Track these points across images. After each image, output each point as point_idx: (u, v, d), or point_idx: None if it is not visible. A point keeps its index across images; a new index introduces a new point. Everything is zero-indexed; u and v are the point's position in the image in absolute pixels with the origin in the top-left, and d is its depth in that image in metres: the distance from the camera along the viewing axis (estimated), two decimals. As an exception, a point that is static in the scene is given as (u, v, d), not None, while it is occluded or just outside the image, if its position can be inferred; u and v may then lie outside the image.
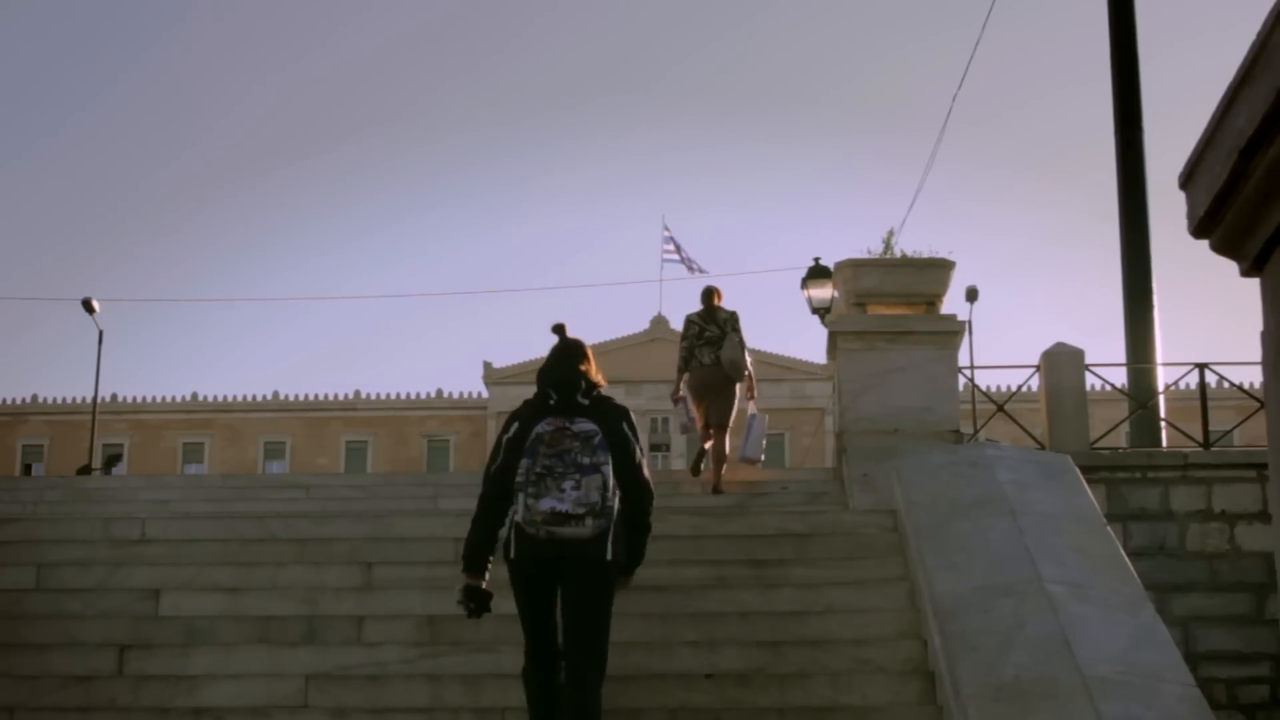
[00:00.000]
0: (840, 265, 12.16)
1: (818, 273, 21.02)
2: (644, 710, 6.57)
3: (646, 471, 6.14)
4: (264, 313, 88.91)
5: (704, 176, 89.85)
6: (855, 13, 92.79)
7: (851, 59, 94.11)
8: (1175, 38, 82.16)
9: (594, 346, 6.62)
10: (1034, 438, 12.82)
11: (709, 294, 12.30)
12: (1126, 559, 6.96)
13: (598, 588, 5.91)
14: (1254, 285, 3.20)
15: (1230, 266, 3.23)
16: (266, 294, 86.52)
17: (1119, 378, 14.13)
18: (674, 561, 7.95)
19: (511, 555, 5.92)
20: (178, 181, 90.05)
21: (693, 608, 7.56)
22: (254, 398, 61.07)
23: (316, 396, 60.97)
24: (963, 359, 12.32)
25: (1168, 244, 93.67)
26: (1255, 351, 3.21)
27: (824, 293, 20.27)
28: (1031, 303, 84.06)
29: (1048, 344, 12.71)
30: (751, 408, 12.45)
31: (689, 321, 12.26)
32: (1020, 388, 13.32)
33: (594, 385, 6.18)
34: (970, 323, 32.66)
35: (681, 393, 12.26)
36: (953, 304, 14.68)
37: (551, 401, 6.04)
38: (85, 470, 32.71)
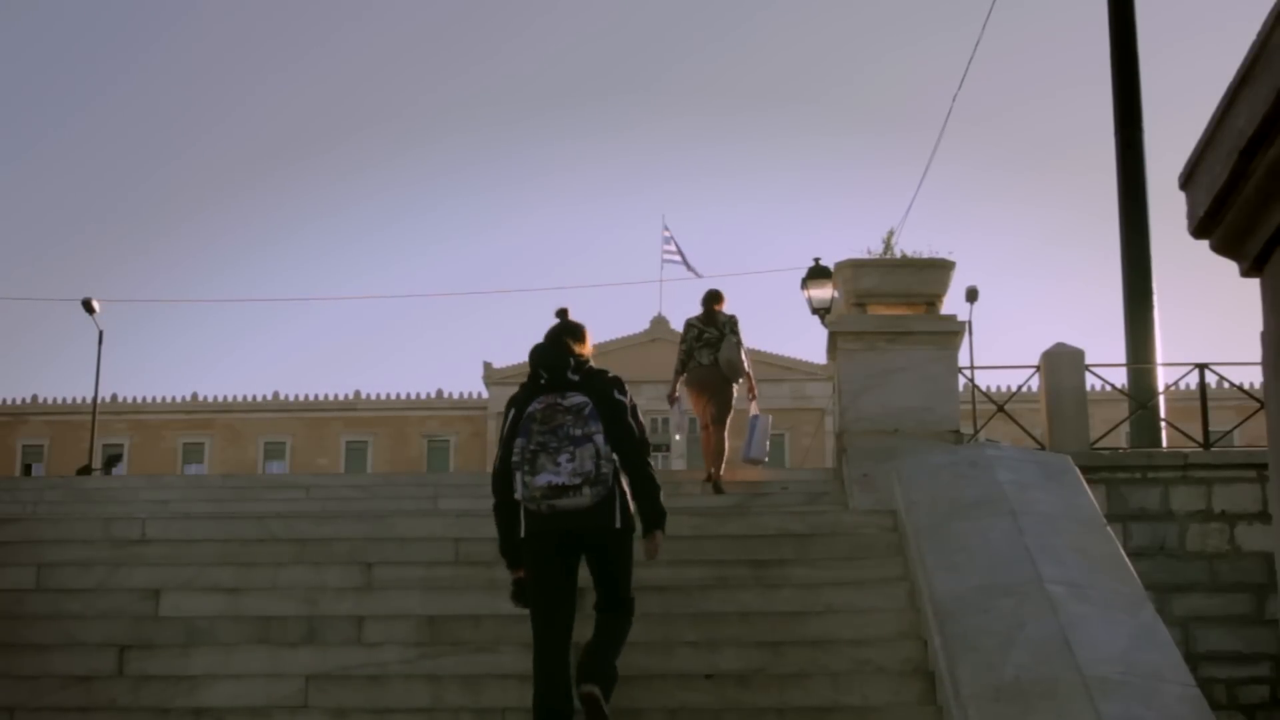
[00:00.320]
0: (840, 265, 12.17)
1: (818, 273, 21.03)
2: (644, 710, 6.56)
3: (640, 433, 6.27)
4: (264, 313, 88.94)
5: (704, 176, 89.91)
6: (855, 13, 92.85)
7: (851, 59, 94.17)
8: (1175, 38, 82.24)
9: (594, 347, 6.68)
10: (1034, 438, 12.82)
11: (710, 299, 12.41)
12: (1126, 559, 6.96)
13: (613, 554, 6.17)
14: (1254, 285, 3.20)
15: (1230, 266, 3.23)
16: (266, 294, 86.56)
17: (1119, 378, 14.14)
18: (674, 561, 7.95)
19: (523, 535, 6.11)
20: (178, 181, 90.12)
21: (693, 608, 7.56)
22: (254, 398, 61.06)
23: (316, 396, 60.96)
24: (963, 359, 12.34)
25: (1168, 244, 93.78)
26: (1255, 351, 3.21)
27: (824, 293, 20.29)
28: (1031, 303, 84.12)
29: (1048, 344, 12.73)
30: (754, 409, 12.51)
31: (688, 324, 12.41)
32: (1020, 388, 13.33)
33: (584, 360, 6.33)
34: (970, 323, 32.67)
35: (678, 394, 12.35)
36: (953, 304, 14.70)
37: (543, 380, 6.20)
38: (85, 470, 32.71)
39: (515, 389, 6.39)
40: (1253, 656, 11.00)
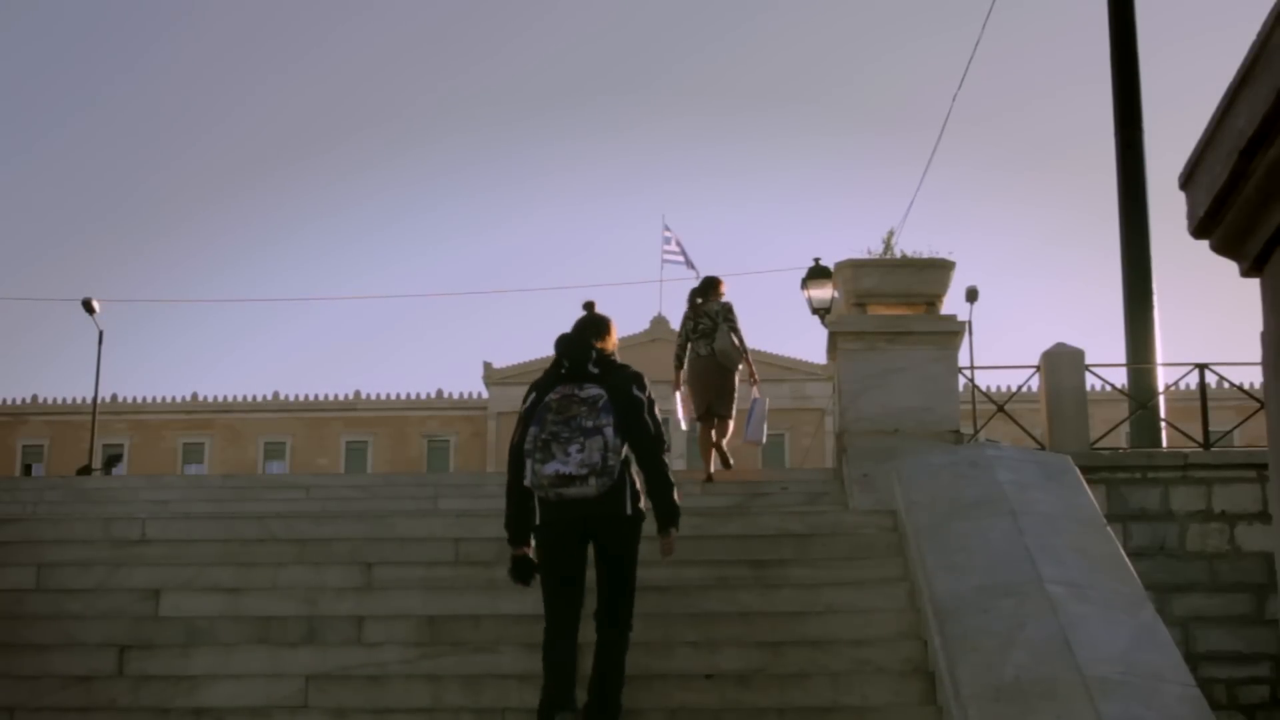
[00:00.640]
0: (840, 266, 12.19)
1: (818, 273, 21.04)
2: (644, 710, 6.56)
3: (656, 429, 6.37)
4: (264, 313, 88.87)
5: (704, 176, 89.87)
6: (855, 13, 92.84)
7: (851, 59, 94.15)
8: (1175, 38, 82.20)
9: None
10: (1034, 438, 12.82)
11: (703, 289, 12.51)
12: (1126, 559, 6.96)
13: (619, 543, 6.25)
14: (1254, 285, 3.20)
15: (1230, 266, 3.24)
16: (266, 294, 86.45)
17: (1119, 378, 14.14)
18: (674, 562, 7.92)
19: (536, 522, 6.24)
20: (178, 181, 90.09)
21: (693, 608, 7.57)
22: (254, 398, 61.04)
23: (316, 396, 60.94)
24: (963, 359, 12.34)
25: (1168, 244, 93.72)
26: (1255, 351, 3.21)
27: (824, 293, 20.30)
28: (1031, 303, 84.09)
29: (1048, 344, 12.73)
30: (755, 391, 12.57)
31: (684, 316, 12.59)
32: (1020, 388, 13.33)
33: (606, 354, 6.45)
34: (970, 323, 32.68)
35: (681, 386, 12.47)
36: (953, 304, 14.71)
37: (563, 369, 6.32)
38: (85, 470, 32.70)
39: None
40: (1253, 656, 10.99)
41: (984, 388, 17.04)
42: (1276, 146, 2.80)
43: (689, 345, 12.35)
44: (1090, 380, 12.49)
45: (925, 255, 11.83)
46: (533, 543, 6.35)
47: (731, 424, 12.37)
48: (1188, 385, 15.87)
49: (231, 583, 8.06)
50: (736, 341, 12.22)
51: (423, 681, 6.92)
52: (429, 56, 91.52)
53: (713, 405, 12.31)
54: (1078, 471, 8.00)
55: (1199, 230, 3.19)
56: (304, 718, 6.75)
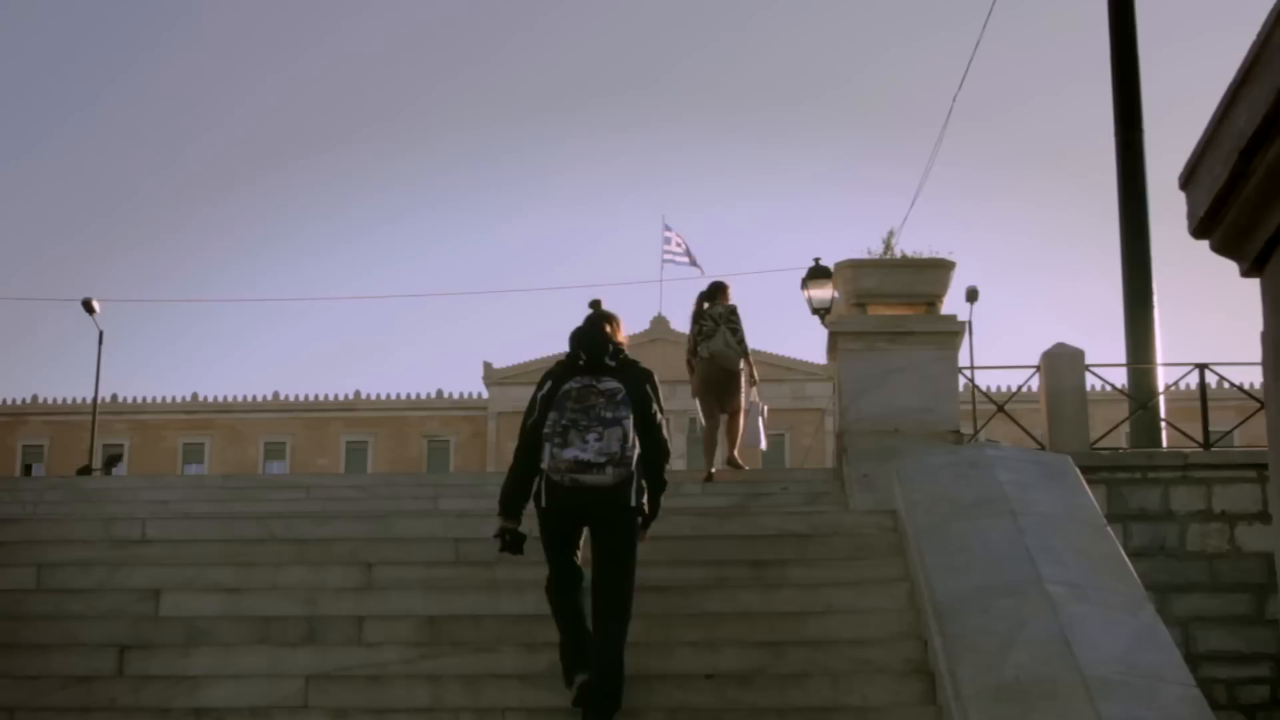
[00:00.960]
0: (840, 266, 12.20)
1: (818, 273, 21.04)
2: (644, 710, 6.56)
3: (664, 432, 6.68)
4: (264, 313, 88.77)
5: (704, 176, 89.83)
6: (855, 13, 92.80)
7: (851, 59, 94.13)
8: (1175, 38, 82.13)
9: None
10: (1034, 438, 12.82)
11: (708, 294, 12.60)
12: (1126, 559, 6.96)
13: (623, 532, 6.46)
14: (1254, 285, 3.20)
15: (1230, 266, 3.24)
16: (266, 294, 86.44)
17: (1119, 378, 14.15)
18: (674, 562, 7.95)
19: (542, 504, 6.45)
20: (178, 181, 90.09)
21: (693, 608, 7.57)
22: (254, 398, 61.03)
23: (316, 397, 60.92)
24: (963, 359, 12.34)
25: (1168, 244, 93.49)
26: (1255, 351, 3.21)
27: (824, 293, 20.29)
28: (1031, 303, 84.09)
29: (1048, 344, 12.73)
30: (753, 394, 12.60)
31: (691, 322, 12.68)
32: (1020, 388, 13.34)
33: (621, 349, 6.72)
34: (970, 323, 32.63)
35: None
36: (953, 304, 14.72)
37: (581, 361, 6.57)
38: (85, 470, 32.67)
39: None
40: (1253, 656, 10.99)
41: (984, 388, 17.03)
42: (1276, 146, 2.80)
43: (696, 348, 12.45)
44: (1090, 380, 12.50)
45: (925, 255, 11.84)
46: (523, 519, 6.60)
47: (742, 423, 12.41)
48: (1188, 385, 15.85)
49: (232, 583, 8.06)
50: (736, 344, 12.27)
51: (423, 681, 6.92)
52: (429, 56, 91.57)
53: (715, 406, 12.35)
54: (1078, 472, 8.00)
55: (1199, 230, 3.19)
56: (304, 718, 6.75)
